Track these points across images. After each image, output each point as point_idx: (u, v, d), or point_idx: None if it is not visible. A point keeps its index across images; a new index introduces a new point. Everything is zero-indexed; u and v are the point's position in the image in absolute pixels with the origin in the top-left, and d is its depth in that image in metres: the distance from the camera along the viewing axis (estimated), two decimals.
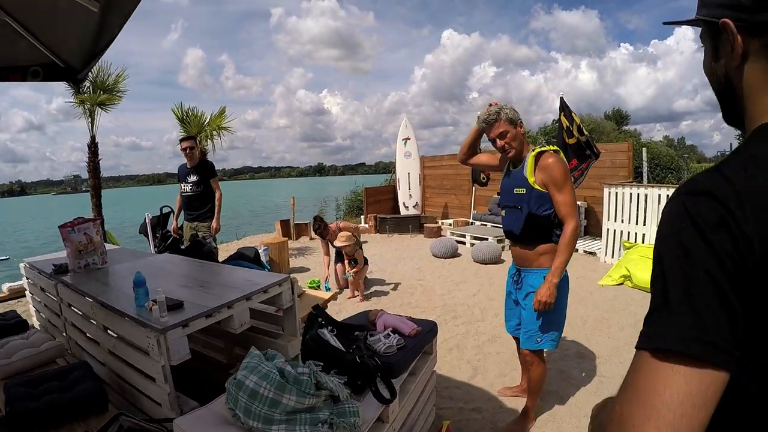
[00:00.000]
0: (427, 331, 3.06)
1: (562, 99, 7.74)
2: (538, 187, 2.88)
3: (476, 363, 4.40)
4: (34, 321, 4.35)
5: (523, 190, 2.95)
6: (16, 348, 3.36)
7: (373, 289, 7.08)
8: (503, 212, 3.20)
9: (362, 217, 13.68)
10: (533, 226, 2.93)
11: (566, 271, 2.95)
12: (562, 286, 2.95)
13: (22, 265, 4.29)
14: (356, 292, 6.53)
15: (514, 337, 3.44)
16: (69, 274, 3.53)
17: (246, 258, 4.89)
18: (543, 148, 2.96)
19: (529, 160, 2.94)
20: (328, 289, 6.45)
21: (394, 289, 7.05)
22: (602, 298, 6.11)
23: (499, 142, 2.97)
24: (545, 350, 3.42)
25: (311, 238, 11.83)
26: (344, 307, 6.19)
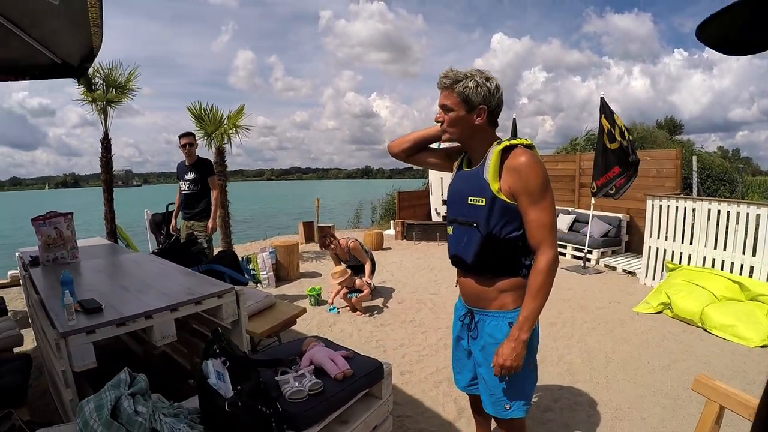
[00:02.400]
0: (362, 375, 2.53)
1: (602, 99, 7.44)
2: (504, 197, 2.11)
3: (464, 403, 3.80)
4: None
5: (482, 200, 2.16)
6: None
7: (379, 300, 6.87)
8: (450, 229, 2.42)
9: (392, 222, 13.50)
10: (493, 253, 2.21)
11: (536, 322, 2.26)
12: (531, 338, 2.22)
13: (17, 253, 4.41)
14: (356, 307, 6.37)
15: (470, 396, 2.81)
16: (39, 266, 3.73)
17: (222, 262, 4.76)
18: (512, 141, 2.17)
19: (492, 158, 2.14)
20: (333, 310, 6.41)
21: (402, 302, 6.83)
22: (635, 329, 5.53)
23: (438, 114, 2.25)
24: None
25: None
26: (340, 319, 6.08)
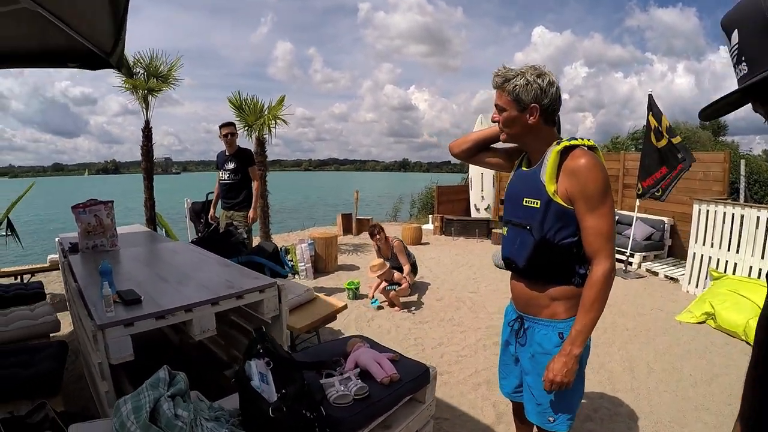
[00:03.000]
0: (409, 380, 2.42)
1: (650, 97, 7.22)
2: (560, 201, 1.99)
3: (503, 407, 3.72)
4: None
5: (536, 202, 2.05)
6: (16, 318, 3.80)
7: (417, 297, 6.78)
8: (504, 229, 2.31)
9: (430, 216, 13.38)
10: (545, 258, 2.09)
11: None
12: (583, 353, 2.08)
13: (57, 239, 4.44)
14: (395, 305, 6.29)
15: (513, 402, 2.67)
16: (78, 253, 3.70)
17: (263, 254, 4.68)
18: (574, 142, 2.04)
19: (550, 158, 2.02)
20: (375, 303, 6.35)
21: (440, 300, 6.71)
22: (677, 339, 5.32)
23: (493, 114, 2.16)
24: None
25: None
26: (378, 314, 6.00)
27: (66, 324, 4.93)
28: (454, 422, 3.54)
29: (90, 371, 2.60)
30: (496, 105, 2.09)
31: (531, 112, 2.02)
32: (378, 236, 6.75)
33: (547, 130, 2.09)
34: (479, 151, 2.47)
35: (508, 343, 2.45)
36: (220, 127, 6.19)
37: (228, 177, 6.19)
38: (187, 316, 2.30)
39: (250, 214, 6.19)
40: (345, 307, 4.48)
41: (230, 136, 6.15)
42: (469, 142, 2.46)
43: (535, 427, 2.42)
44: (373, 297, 6.43)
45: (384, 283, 6.35)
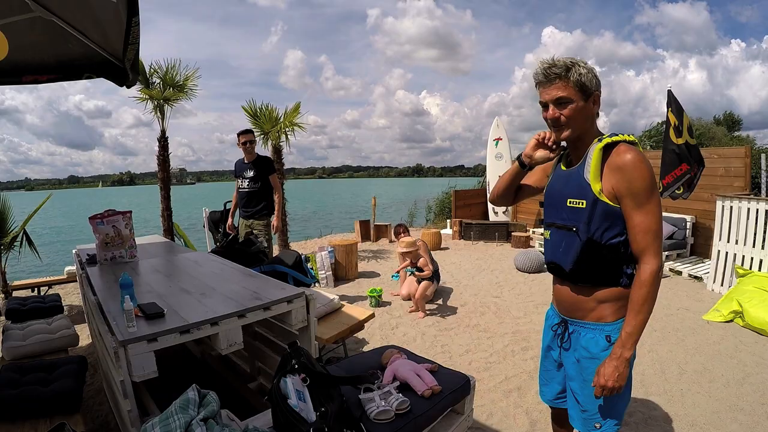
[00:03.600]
0: (450, 392, 2.32)
1: (670, 92, 7.06)
2: (606, 199, 1.88)
3: (536, 415, 3.62)
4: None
5: (582, 203, 1.94)
6: (34, 332, 3.73)
7: (441, 302, 6.66)
8: (547, 233, 2.20)
9: (448, 221, 13.28)
10: (593, 260, 1.97)
11: None
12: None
13: (74, 251, 4.39)
14: (419, 308, 6.18)
15: (553, 408, 2.55)
16: (96, 265, 3.63)
17: (284, 263, 4.56)
18: (615, 138, 1.92)
19: (593, 155, 1.92)
20: (395, 277, 6.62)
21: (464, 305, 6.56)
22: (706, 339, 5.19)
23: (550, 110, 1.97)
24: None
25: (390, 241, 11.66)
26: (403, 322, 5.86)
27: (84, 337, 4.84)
28: (488, 431, 3.42)
29: (110, 386, 2.49)
30: (557, 99, 1.93)
31: (595, 100, 1.95)
32: (403, 235, 6.72)
33: (596, 123, 2.02)
34: (517, 190, 2.43)
35: (549, 348, 2.33)
36: (239, 134, 6.09)
37: (247, 185, 6.06)
38: (213, 329, 2.17)
39: (274, 222, 6.09)
40: (372, 315, 4.38)
41: (249, 144, 6.04)
42: (501, 190, 2.42)
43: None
44: (396, 272, 6.66)
45: (408, 264, 6.46)
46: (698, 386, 4.07)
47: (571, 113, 1.93)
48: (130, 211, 3.86)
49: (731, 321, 5.68)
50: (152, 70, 8.44)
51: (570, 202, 1.99)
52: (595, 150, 1.91)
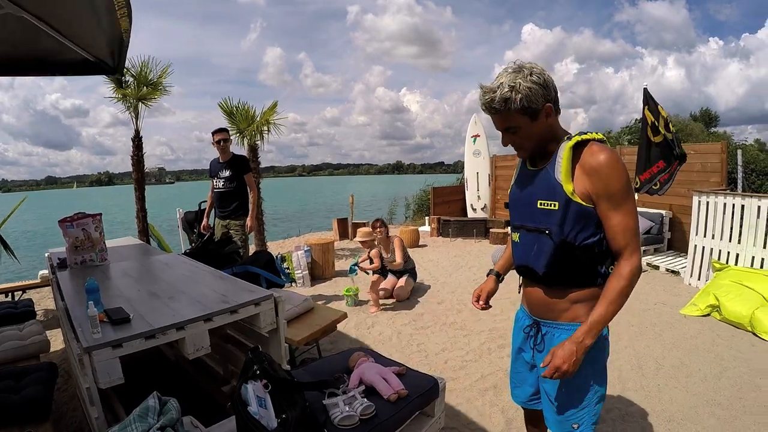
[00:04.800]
0: (417, 395, 2.31)
1: (645, 90, 7.14)
2: (579, 200, 1.84)
3: (512, 413, 3.60)
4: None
5: (554, 204, 1.89)
6: (6, 338, 3.67)
7: (418, 300, 6.68)
8: (516, 236, 2.15)
9: (427, 218, 13.30)
10: (567, 262, 1.93)
11: (604, 336, 2.03)
12: (601, 348, 2.03)
13: (46, 254, 4.32)
14: (374, 302, 6.28)
15: (526, 410, 2.52)
16: (66, 269, 3.61)
17: (258, 263, 4.55)
18: (585, 137, 1.89)
19: (563, 155, 1.87)
20: (352, 269, 6.54)
21: (441, 303, 6.58)
22: (683, 333, 5.24)
23: (503, 138, 1.99)
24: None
25: None
26: (379, 321, 5.84)
27: (59, 342, 4.79)
28: (462, 431, 3.42)
29: (82, 393, 2.47)
30: (506, 129, 1.93)
31: (547, 113, 1.89)
32: (379, 229, 6.71)
33: (557, 123, 1.97)
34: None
35: (521, 350, 2.29)
36: (213, 133, 6.03)
37: (223, 185, 6.01)
38: (179, 334, 2.17)
39: (249, 222, 6.05)
40: (345, 316, 4.35)
41: (223, 142, 5.99)
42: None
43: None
44: (357, 264, 6.61)
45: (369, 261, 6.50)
46: (675, 381, 4.10)
47: (522, 138, 1.93)
48: (100, 214, 3.82)
49: (708, 315, 5.74)
50: (126, 70, 8.27)
51: (540, 204, 1.95)
52: (565, 149, 1.87)
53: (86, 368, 1.90)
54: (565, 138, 1.91)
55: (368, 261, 6.56)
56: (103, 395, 2.00)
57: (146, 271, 3.61)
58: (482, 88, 1.90)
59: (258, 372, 1.69)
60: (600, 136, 1.91)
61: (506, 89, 1.81)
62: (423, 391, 2.32)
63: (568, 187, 1.85)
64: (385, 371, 2.34)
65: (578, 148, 1.87)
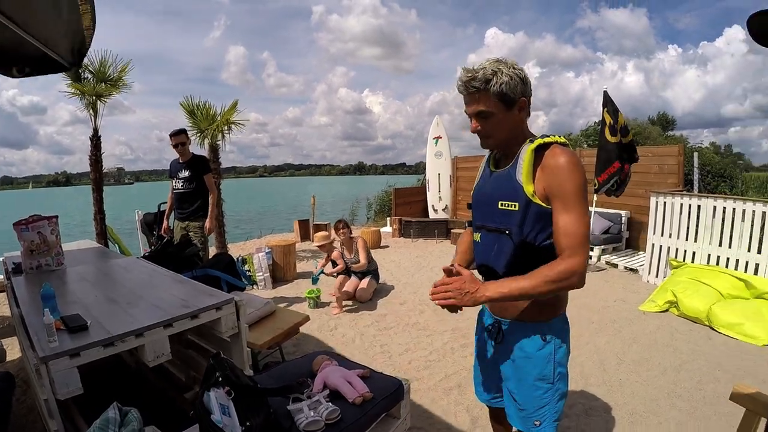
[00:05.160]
0: (383, 398, 2.28)
1: (605, 93, 7.28)
2: (539, 201, 1.85)
3: (477, 411, 3.60)
4: None
5: (515, 205, 1.90)
6: None
7: (380, 301, 6.66)
8: (477, 236, 2.15)
9: (388, 219, 13.30)
10: (527, 262, 1.89)
11: (567, 323, 2.09)
12: (559, 345, 2.03)
13: (1, 259, 4.16)
14: (337, 303, 6.26)
15: (490, 407, 2.50)
16: (22, 275, 3.49)
17: (218, 266, 4.48)
18: (547, 139, 1.90)
19: (525, 157, 1.88)
20: (315, 280, 6.49)
21: (404, 303, 6.57)
22: (643, 329, 5.37)
23: (472, 124, 1.95)
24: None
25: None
26: (342, 323, 5.80)
27: (16, 351, 4.65)
28: (429, 431, 3.42)
29: (40, 405, 2.39)
30: (477, 112, 1.90)
31: (521, 107, 1.90)
32: (342, 231, 6.68)
33: (526, 124, 1.98)
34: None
35: (483, 348, 2.30)
36: (171, 136, 5.91)
37: (182, 186, 5.89)
38: (138, 341, 2.11)
39: (207, 224, 5.93)
40: (307, 318, 4.30)
41: (181, 146, 5.88)
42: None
43: (514, 429, 2.30)
44: (316, 271, 6.59)
45: (330, 265, 6.56)
46: (636, 375, 4.20)
47: (493, 126, 1.91)
48: (56, 216, 3.70)
49: (666, 311, 5.91)
50: (84, 66, 7.95)
51: (502, 205, 1.95)
52: (526, 151, 1.88)
53: (44, 379, 1.84)
54: (528, 141, 1.91)
55: (330, 265, 6.53)
56: (63, 406, 1.94)
57: (104, 275, 3.52)
58: (464, 69, 1.90)
59: (220, 379, 1.65)
60: (562, 139, 1.92)
61: (489, 72, 1.82)
62: (388, 393, 2.30)
63: (528, 189, 1.85)
64: (349, 374, 2.32)
65: (540, 151, 1.87)
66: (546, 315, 2.00)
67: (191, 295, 2.63)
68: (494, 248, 1.99)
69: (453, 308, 1.85)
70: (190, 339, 3.09)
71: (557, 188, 1.81)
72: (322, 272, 6.48)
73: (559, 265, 1.77)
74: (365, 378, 2.36)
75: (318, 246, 6.48)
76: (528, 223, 1.87)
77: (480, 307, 2.35)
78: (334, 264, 6.48)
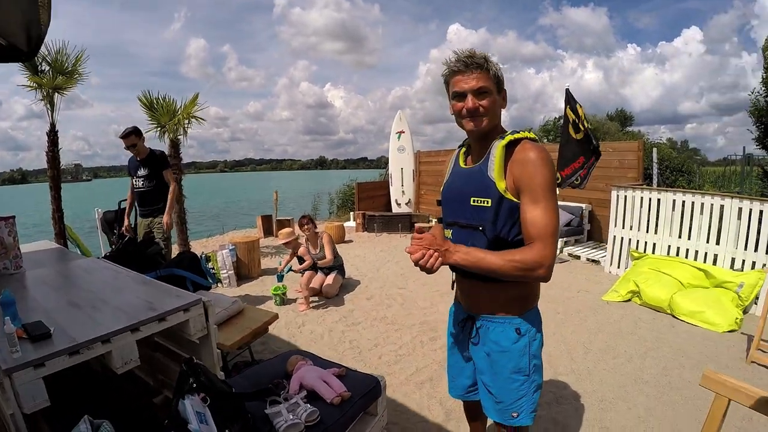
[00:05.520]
0: (360, 396, 2.25)
1: (567, 91, 7.34)
2: (511, 197, 1.86)
3: (450, 404, 3.63)
4: None
5: (487, 201, 1.90)
6: None
7: (347, 296, 6.63)
8: (448, 232, 2.14)
9: (352, 213, 13.26)
10: None
11: (539, 316, 2.11)
12: (534, 338, 2.04)
13: None
14: (304, 300, 6.20)
15: (465, 402, 2.54)
16: None
17: (183, 265, 4.37)
18: (518, 135, 1.91)
19: (496, 153, 1.88)
20: (281, 278, 6.53)
21: (370, 298, 6.55)
22: (607, 318, 5.48)
23: (470, 101, 1.89)
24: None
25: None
26: (309, 319, 5.74)
27: None
28: (404, 426, 3.41)
29: (6, 420, 2.27)
30: (478, 88, 1.88)
31: (504, 96, 1.97)
32: (307, 226, 6.62)
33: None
34: None
35: (456, 343, 2.32)
36: (122, 137, 5.70)
37: (142, 184, 5.77)
38: (105, 347, 2.00)
39: (165, 220, 5.79)
40: (276, 317, 4.23)
41: (132, 147, 5.71)
42: None
43: (489, 420, 2.32)
44: (282, 270, 6.64)
45: (296, 261, 6.59)
46: (604, 363, 4.30)
47: (490, 105, 1.90)
48: (13, 216, 3.53)
49: (629, 300, 6.06)
50: (42, 58, 7.67)
51: (474, 201, 1.95)
52: (498, 147, 1.89)
53: (7, 392, 1.74)
54: (499, 137, 1.93)
55: (296, 261, 6.47)
56: (31, 420, 1.84)
57: (65, 278, 3.36)
58: (457, 51, 1.92)
59: (195, 385, 1.59)
60: (532, 135, 1.93)
61: (483, 54, 1.88)
62: (366, 391, 2.28)
63: (500, 185, 1.86)
64: (325, 374, 2.28)
65: (510, 147, 1.89)
66: (519, 308, 2.02)
67: (157, 297, 2.53)
68: (467, 244, 1.96)
69: (428, 270, 1.81)
70: (157, 341, 3.00)
71: (526, 182, 1.82)
72: (290, 269, 6.43)
73: (529, 253, 1.78)
74: (341, 377, 2.34)
75: (283, 243, 6.44)
76: (501, 219, 1.88)
77: (451, 303, 2.34)
78: (301, 260, 6.41)
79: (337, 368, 2.44)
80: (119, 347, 2.04)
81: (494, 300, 2.03)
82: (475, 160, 2.02)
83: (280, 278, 6.44)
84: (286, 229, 6.41)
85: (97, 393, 3.16)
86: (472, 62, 1.86)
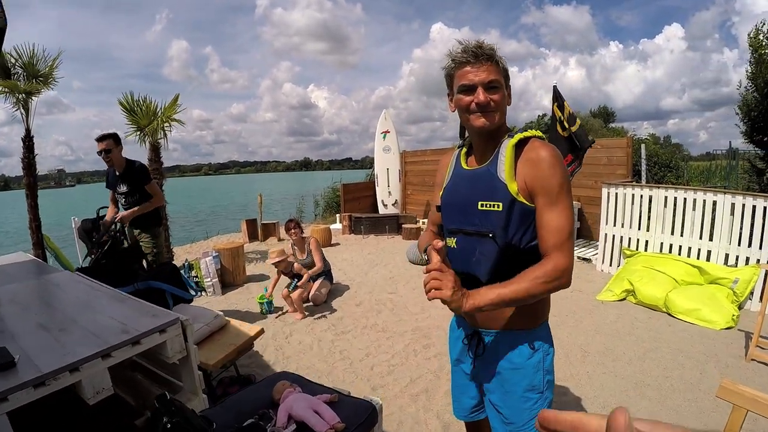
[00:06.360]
0: (356, 426, 2.06)
1: (555, 88, 7.30)
2: (523, 200, 1.69)
3: (448, 417, 3.47)
4: None
5: (497, 205, 1.72)
6: None
7: (335, 303, 6.46)
8: (452, 241, 1.93)
9: (338, 215, 13.11)
10: (512, 267, 1.71)
11: (550, 328, 1.96)
12: (547, 352, 1.89)
13: None
14: (297, 309, 5.97)
15: (468, 423, 2.31)
16: None
17: (163, 277, 4.16)
18: (526, 134, 1.77)
19: (506, 153, 1.73)
20: (269, 309, 6.15)
21: (360, 304, 6.37)
22: (603, 319, 5.37)
23: (481, 95, 1.71)
24: None
25: (279, 239, 11.43)
26: (297, 329, 5.54)
27: None
28: None
29: None
30: (489, 81, 1.72)
31: (509, 92, 1.82)
32: (294, 230, 6.49)
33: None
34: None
35: (459, 361, 2.12)
36: (97, 141, 5.32)
37: (125, 202, 5.40)
38: (74, 377, 1.81)
39: (125, 214, 5.27)
40: (262, 331, 3.95)
41: (105, 153, 5.27)
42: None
43: None
44: (269, 296, 6.16)
45: (287, 283, 6.20)
46: (603, 367, 4.20)
47: (501, 99, 1.75)
48: None
49: (624, 299, 5.99)
50: (14, 60, 7.42)
51: (482, 206, 1.77)
52: (507, 147, 1.74)
53: None
54: (507, 136, 1.78)
55: (295, 280, 6.15)
56: None
57: (36, 296, 3.08)
58: (462, 42, 1.76)
59: (169, 427, 1.40)
60: (540, 133, 1.80)
61: (491, 45, 1.75)
62: (361, 420, 2.09)
63: (512, 187, 1.69)
64: (315, 402, 2.09)
65: (520, 146, 1.74)
66: (533, 322, 1.86)
67: (131, 318, 2.33)
68: (475, 253, 1.81)
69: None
70: (135, 360, 2.80)
71: (541, 184, 1.67)
72: (296, 285, 6.07)
73: (548, 265, 1.64)
74: (333, 403, 2.14)
75: (274, 264, 6.03)
76: (513, 224, 1.71)
77: (442, 308, 2.18)
78: (299, 278, 6.12)
79: (327, 394, 2.25)
80: (89, 375, 1.85)
81: (503, 314, 1.86)
82: (480, 160, 1.86)
83: (270, 306, 6.12)
84: (277, 249, 6.06)
85: (74, 416, 2.97)
86: (482, 53, 1.70)
